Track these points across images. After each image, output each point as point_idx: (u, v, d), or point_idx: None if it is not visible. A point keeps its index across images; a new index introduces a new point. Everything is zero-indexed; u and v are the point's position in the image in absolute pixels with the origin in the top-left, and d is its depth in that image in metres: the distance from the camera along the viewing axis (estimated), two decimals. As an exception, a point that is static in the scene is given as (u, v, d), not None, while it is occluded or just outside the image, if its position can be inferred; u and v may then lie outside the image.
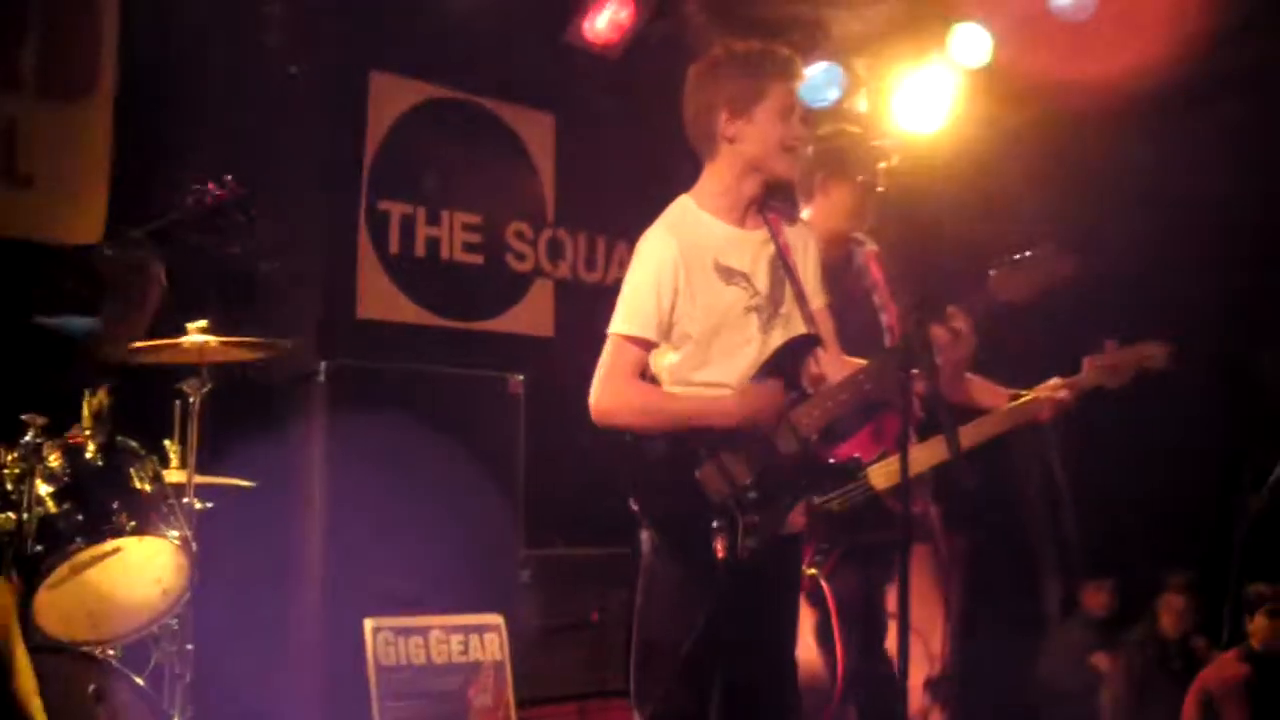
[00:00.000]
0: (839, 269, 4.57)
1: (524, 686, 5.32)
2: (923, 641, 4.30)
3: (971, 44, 6.48)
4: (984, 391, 4.51)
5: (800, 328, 3.82)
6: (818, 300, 3.89)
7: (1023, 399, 4.40)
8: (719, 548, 3.59)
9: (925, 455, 4.20)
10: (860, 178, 4.31)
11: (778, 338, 3.78)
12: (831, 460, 3.86)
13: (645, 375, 3.79)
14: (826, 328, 3.88)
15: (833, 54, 6.62)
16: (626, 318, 3.75)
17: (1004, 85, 6.71)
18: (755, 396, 3.66)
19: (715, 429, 3.64)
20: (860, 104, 6.84)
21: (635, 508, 3.68)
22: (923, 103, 6.66)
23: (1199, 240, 6.88)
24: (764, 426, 3.65)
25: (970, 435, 4.28)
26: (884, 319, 4.52)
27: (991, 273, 3.82)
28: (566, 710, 5.63)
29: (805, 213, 4.53)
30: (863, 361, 3.86)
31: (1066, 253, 3.81)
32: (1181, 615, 6.89)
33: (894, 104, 6.69)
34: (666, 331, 3.73)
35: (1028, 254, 3.79)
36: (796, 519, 3.74)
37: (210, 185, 2.98)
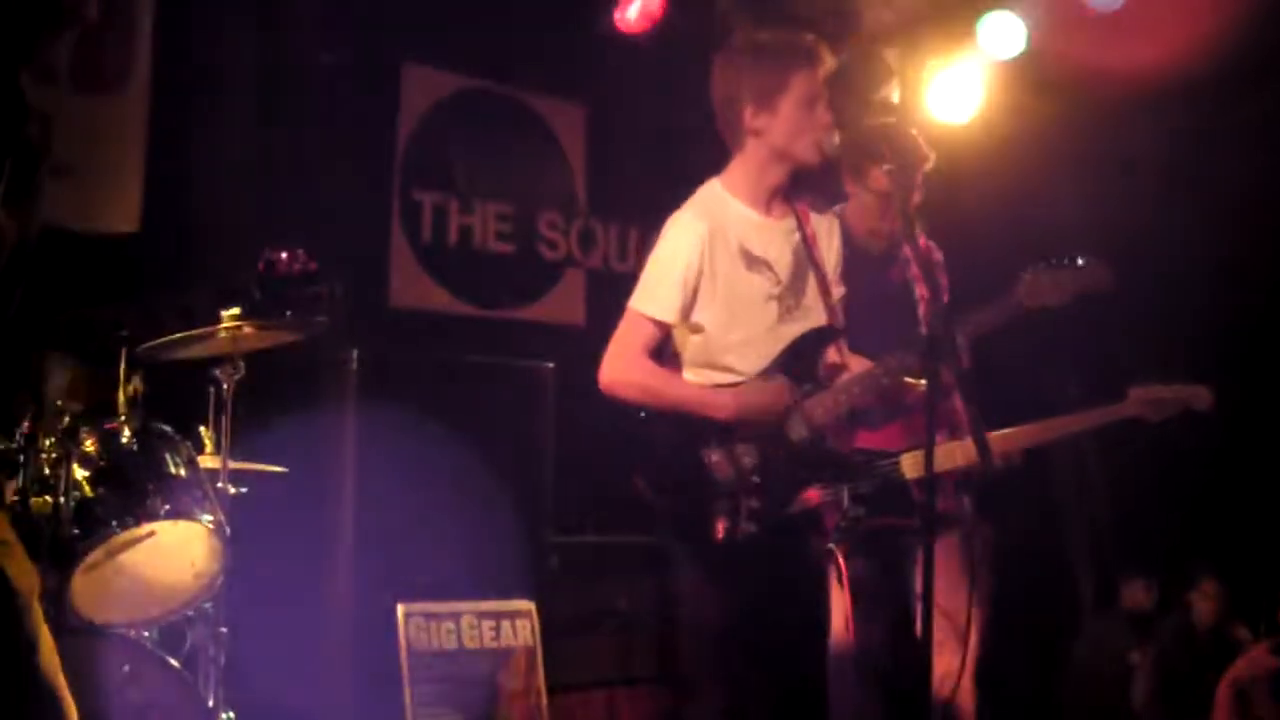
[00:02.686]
0: (884, 259, 4.59)
1: (554, 673, 5.34)
2: (953, 628, 4.30)
3: (1003, 33, 6.47)
4: None
5: (820, 319, 3.86)
6: (839, 291, 3.93)
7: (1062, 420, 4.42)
8: (719, 529, 3.64)
9: (957, 454, 4.22)
10: (897, 168, 4.32)
11: (796, 328, 3.82)
12: (844, 451, 3.87)
13: (665, 352, 3.82)
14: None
15: (863, 44, 6.62)
16: (647, 296, 3.80)
17: (1036, 75, 6.70)
18: (756, 393, 3.70)
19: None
20: (893, 94, 6.83)
21: (641, 486, 3.71)
22: (955, 93, 6.66)
23: (1230, 232, 6.86)
24: (763, 423, 3.68)
25: (1007, 441, 4.31)
26: (921, 312, 4.54)
27: (1025, 275, 3.85)
28: (596, 697, 5.65)
29: (846, 200, 4.58)
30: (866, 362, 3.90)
31: (1104, 264, 3.83)
32: (1216, 605, 6.87)
33: (926, 94, 6.69)
34: (686, 313, 3.77)
35: (1065, 261, 3.82)
36: (806, 503, 3.77)
37: (282, 255, 2.99)
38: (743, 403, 3.69)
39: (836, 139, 3.92)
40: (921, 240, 4.58)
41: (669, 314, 3.76)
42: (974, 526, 4.57)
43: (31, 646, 2.73)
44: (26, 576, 2.80)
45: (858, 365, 3.92)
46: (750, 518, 3.64)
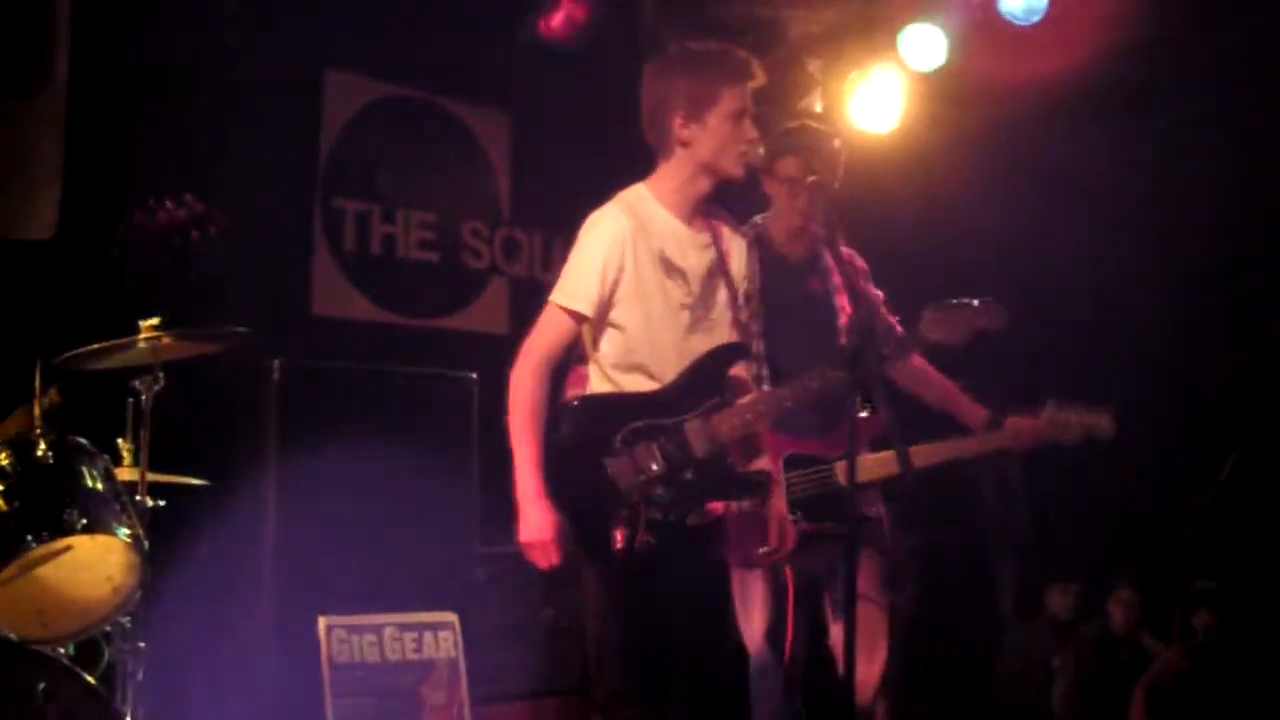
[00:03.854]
0: (804, 266, 4.63)
1: (478, 684, 5.32)
2: (868, 638, 4.34)
3: (924, 46, 6.54)
4: (962, 404, 4.61)
5: (727, 335, 3.90)
6: (747, 310, 3.99)
7: (996, 432, 4.54)
8: (618, 537, 3.65)
9: (878, 465, 4.27)
10: (817, 174, 4.36)
11: (704, 341, 3.85)
12: (740, 470, 3.90)
13: (574, 354, 3.84)
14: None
15: (788, 54, 6.66)
16: (567, 288, 3.82)
17: (956, 87, 6.77)
18: (537, 512, 3.68)
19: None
20: (815, 104, 6.88)
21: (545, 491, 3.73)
22: (876, 104, 6.71)
23: (1147, 243, 6.96)
24: (526, 549, 3.68)
25: (938, 453, 4.40)
26: (842, 322, 4.58)
27: (926, 313, 3.97)
28: (521, 708, 5.64)
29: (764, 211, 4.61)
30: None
31: (1000, 308, 3.97)
32: (1130, 612, 6.98)
33: (848, 104, 6.74)
34: (604, 308, 3.78)
35: (963, 301, 3.93)
36: (706, 515, 3.80)
37: (166, 204, 2.91)
38: (527, 510, 3.69)
39: (761, 152, 3.96)
40: (844, 250, 4.62)
41: (587, 307, 3.78)
42: (893, 535, 4.61)
43: None
44: None
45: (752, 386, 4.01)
46: (649, 528, 3.65)
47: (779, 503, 4.04)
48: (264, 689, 5.06)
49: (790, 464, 4.41)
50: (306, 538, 5.15)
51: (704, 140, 3.84)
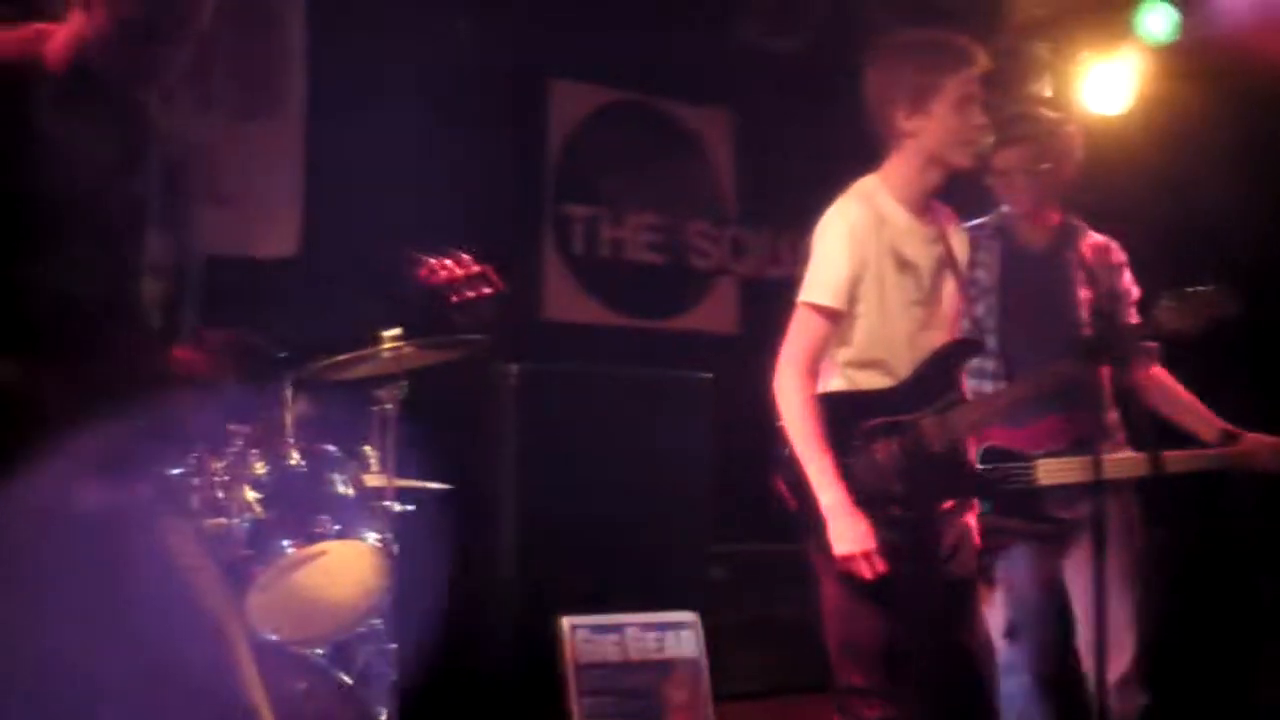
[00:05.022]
0: (1045, 258, 4.51)
1: (721, 683, 5.32)
2: (1113, 638, 4.20)
3: (1157, 22, 6.33)
4: (1191, 414, 4.44)
5: (955, 331, 3.84)
6: (975, 306, 3.92)
7: (1240, 443, 4.32)
8: None
9: (1126, 463, 4.14)
10: (1050, 162, 4.26)
11: (933, 337, 3.79)
12: (981, 468, 3.82)
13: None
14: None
15: (1014, 39, 6.52)
16: (817, 286, 3.78)
17: (1192, 63, 6.54)
18: (850, 522, 3.62)
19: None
20: (1045, 88, 6.72)
21: (782, 490, 3.71)
22: (1109, 85, 6.53)
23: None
24: (845, 561, 3.62)
25: (1178, 463, 4.22)
26: (1081, 315, 4.46)
27: (1162, 301, 3.84)
28: (765, 706, 5.62)
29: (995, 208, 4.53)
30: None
31: (1234, 295, 3.83)
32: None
33: (1079, 87, 6.57)
34: (852, 302, 3.74)
35: (1199, 289, 3.79)
36: (943, 512, 3.74)
37: (442, 261, 3.01)
38: (838, 522, 3.64)
39: (991, 140, 3.88)
40: (1097, 238, 4.50)
41: (840, 301, 3.74)
42: (1139, 535, 4.47)
43: (229, 664, 2.79)
44: (219, 600, 2.86)
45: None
46: (889, 526, 3.60)
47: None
48: (509, 689, 5.15)
49: (985, 457, 4.28)
50: (546, 539, 5.22)
51: (930, 130, 3.78)
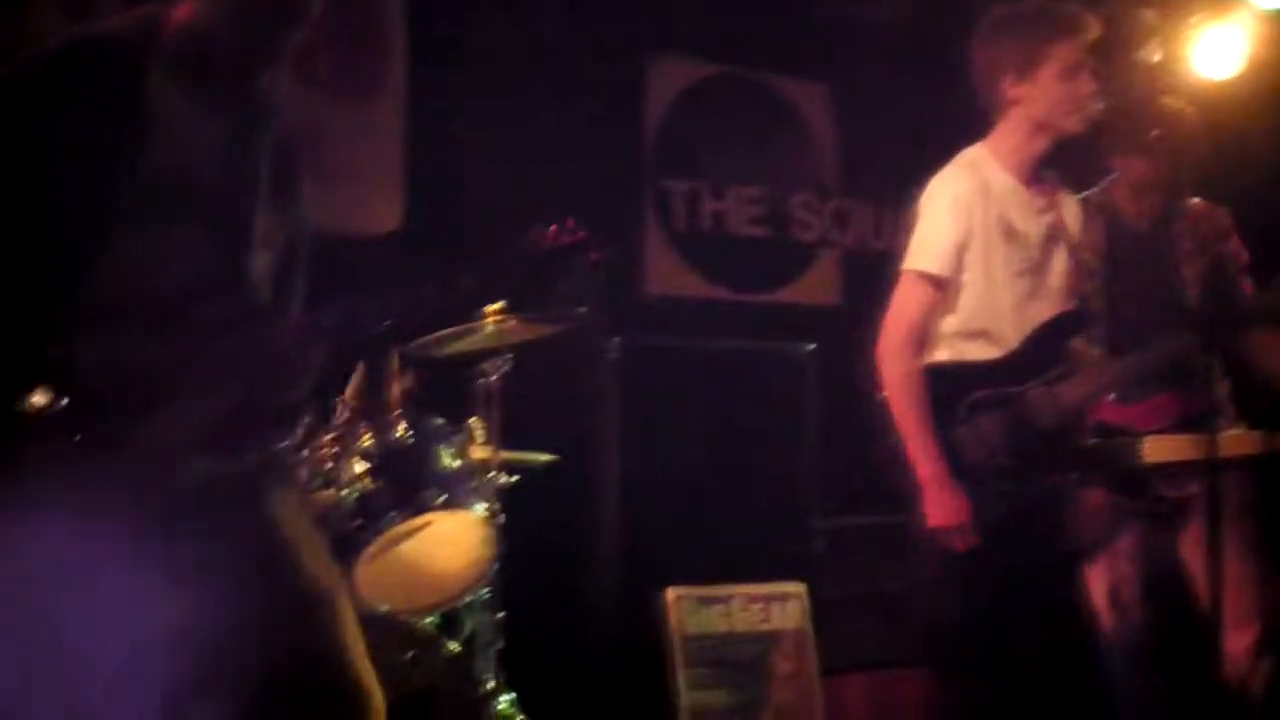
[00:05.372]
0: (1153, 229, 4.43)
1: (827, 655, 5.32)
2: (1240, 609, 4.13)
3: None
4: None
5: (1065, 302, 3.79)
6: (1086, 278, 3.85)
7: None
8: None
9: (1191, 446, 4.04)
10: (1160, 130, 4.19)
11: (1041, 308, 3.75)
12: (1092, 440, 3.76)
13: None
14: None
15: (1124, 4, 6.40)
16: (921, 254, 3.77)
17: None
18: (949, 494, 3.58)
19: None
20: (1154, 54, 6.59)
21: (887, 463, 3.69)
22: (1219, 49, 6.39)
23: None
24: (939, 533, 3.59)
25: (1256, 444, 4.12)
26: (1190, 287, 4.38)
27: (1278, 277, 3.77)
28: (870, 678, 5.60)
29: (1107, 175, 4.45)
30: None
31: None
32: None
33: (1189, 51, 6.43)
34: (958, 270, 3.71)
35: None
36: (1052, 486, 3.70)
37: (543, 229, 3.02)
38: (936, 494, 3.60)
39: (1100, 106, 3.83)
40: (1205, 205, 4.41)
41: (944, 267, 3.72)
42: (1257, 508, 4.37)
43: (334, 633, 2.83)
44: (325, 570, 2.90)
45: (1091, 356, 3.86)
46: (999, 500, 3.57)
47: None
48: (615, 659, 5.18)
49: (1093, 433, 4.21)
50: (651, 511, 5.24)
51: (1037, 98, 3.76)
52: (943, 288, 3.73)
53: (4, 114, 2.81)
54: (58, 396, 2.69)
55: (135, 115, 2.81)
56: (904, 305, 3.77)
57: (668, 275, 6.57)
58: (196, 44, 2.85)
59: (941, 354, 3.79)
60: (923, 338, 3.76)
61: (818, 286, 6.93)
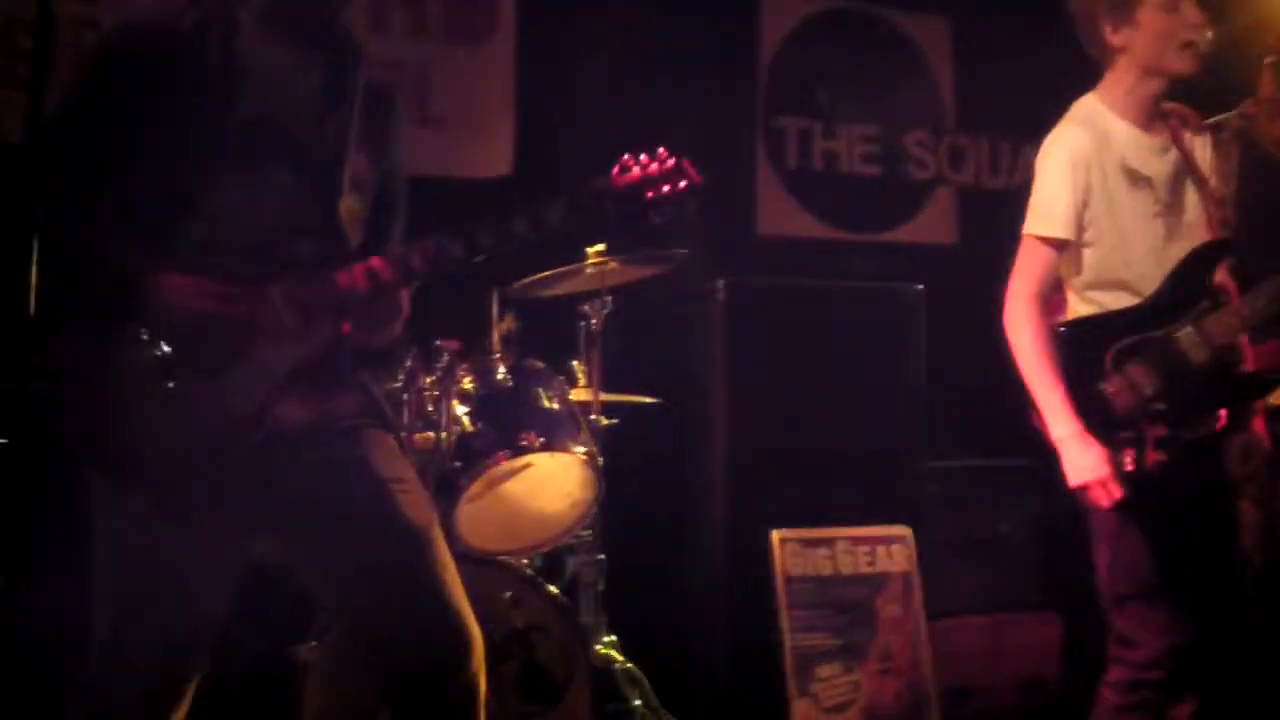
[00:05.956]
0: None
1: (933, 599, 5.27)
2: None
3: None
4: None
5: (1202, 236, 3.67)
6: (1223, 208, 3.73)
7: None
8: (1127, 461, 3.51)
9: None
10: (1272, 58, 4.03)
11: (1180, 248, 3.64)
12: (1244, 370, 3.64)
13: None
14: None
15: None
16: (1041, 217, 3.69)
17: None
18: (1082, 452, 3.51)
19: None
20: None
21: (1036, 422, 3.62)
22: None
23: None
24: (1081, 492, 3.51)
25: None
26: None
27: None
28: (979, 622, 5.54)
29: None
30: None
31: None
32: None
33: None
34: (1080, 229, 3.64)
35: None
36: (1214, 424, 3.59)
37: (640, 158, 2.98)
38: (1071, 453, 3.53)
39: (1210, 36, 3.70)
40: None
41: (1066, 231, 3.64)
42: None
43: (433, 574, 2.86)
44: (421, 511, 2.93)
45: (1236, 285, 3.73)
46: (1158, 446, 3.49)
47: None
48: (718, 601, 5.19)
49: None
50: (756, 453, 5.22)
51: (1139, 40, 3.64)
52: (1063, 249, 3.65)
53: (106, 73, 2.87)
54: (155, 340, 2.74)
55: (227, 67, 2.86)
56: (1026, 269, 3.70)
57: (780, 216, 6.52)
58: None
59: (1080, 308, 3.72)
60: (1046, 299, 3.69)
61: (933, 225, 6.83)
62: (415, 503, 2.93)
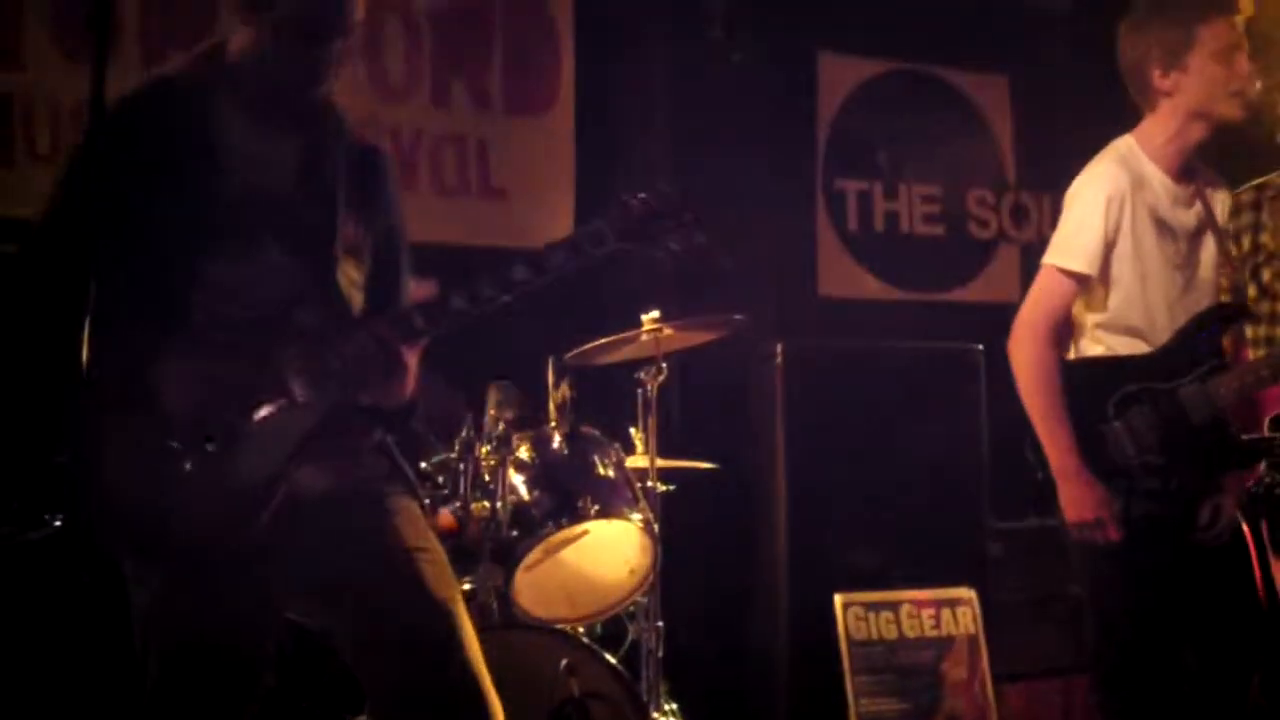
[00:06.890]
0: None
1: (1001, 661, 5.21)
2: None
3: None
4: None
5: (1212, 294, 3.66)
6: (1234, 270, 3.72)
7: None
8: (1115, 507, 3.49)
9: None
10: None
11: (1194, 303, 3.63)
12: (1245, 436, 3.61)
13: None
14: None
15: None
16: (1066, 249, 3.69)
17: None
18: (1084, 487, 3.48)
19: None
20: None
21: (1031, 459, 3.61)
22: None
23: None
24: (1077, 528, 3.47)
25: None
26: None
27: None
28: (1050, 685, 5.48)
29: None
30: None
31: None
32: None
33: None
34: (1102, 267, 3.62)
35: None
36: (1204, 486, 3.56)
37: (639, 195, 3.01)
38: (1070, 488, 3.50)
39: (1259, 86, 3.69)
40: None
41: (1090, 267, 3.63)
42: None
43: (448, 648, 2.87)
44: (445, 581, 2.94)
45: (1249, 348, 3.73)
46: (1149, 497, 3.46)
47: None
48: (782, 667, 5.16)
49: (1272, 425, 4.03)
50: (818, 516, 5.21)
51: (1188, 86, 3.63)
52: (1083, 285, 3.64)
53: (96, 156, 2.92)
54: (164, 428, 2.77)
55: (211, 146, 2.91)
56: (1042, 298, 3.69)
57: (841, 277, 6.54)
58: (250, 71, 2.93)
59: (1092, 348, 3.70)
60: (1057, 332, 3.67)
61: (996, 284, 6.80)
62: (439, 574, 2.94)
